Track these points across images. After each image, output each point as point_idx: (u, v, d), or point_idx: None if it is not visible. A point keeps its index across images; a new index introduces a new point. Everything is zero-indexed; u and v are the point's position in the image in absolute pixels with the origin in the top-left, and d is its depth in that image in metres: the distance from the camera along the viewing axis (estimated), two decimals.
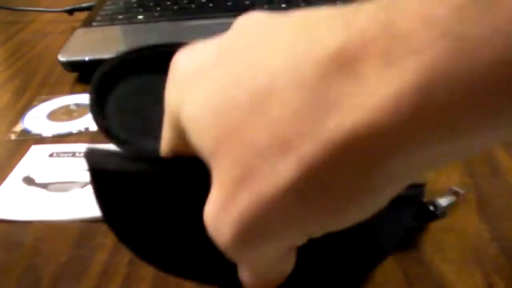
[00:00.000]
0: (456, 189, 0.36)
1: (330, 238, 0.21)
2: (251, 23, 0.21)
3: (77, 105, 0.56)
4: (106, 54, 0.61)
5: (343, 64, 0.16)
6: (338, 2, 0.68)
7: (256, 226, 0.19)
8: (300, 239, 0.20)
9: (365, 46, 0.16)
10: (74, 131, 0.51)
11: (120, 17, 0.70)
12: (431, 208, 0.34)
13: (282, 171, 0.17)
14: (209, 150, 0.19)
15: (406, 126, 0.15)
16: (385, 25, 0.15)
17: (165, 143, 0.24)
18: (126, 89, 0.36)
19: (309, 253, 0.23)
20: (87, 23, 0.69)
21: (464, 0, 0.14)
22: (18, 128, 0.52)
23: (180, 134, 0.21)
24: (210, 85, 0.19)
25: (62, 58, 0.60)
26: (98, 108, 0.33)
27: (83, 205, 0.40)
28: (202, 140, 0.19)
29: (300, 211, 0.18)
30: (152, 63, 0.37)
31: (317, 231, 0.19)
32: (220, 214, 0.19)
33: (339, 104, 0.16)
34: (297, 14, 0.19)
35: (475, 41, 0.14)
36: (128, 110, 0.35)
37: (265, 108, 0.17)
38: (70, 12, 0.80)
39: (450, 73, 0.14)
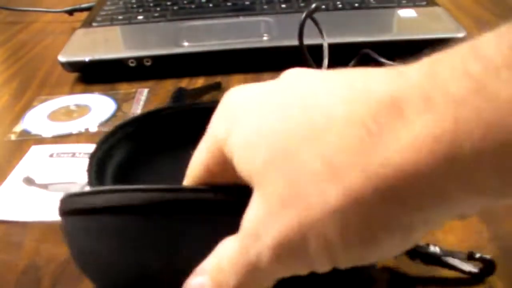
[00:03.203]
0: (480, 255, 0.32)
1: None
2: (301, 73, 0.23)
3: (77, 105, 0.56)
4: (106, 54, 0.61)
5: (392, 107, 0.18)
6: (329, 1, 0.68)
7: (293, 244, 0.20)
8: (324, 267, 0.21)
9: (411, 92, 0.18)
10: (74, 131, 0.51)
11: (120, 17, 0.70)
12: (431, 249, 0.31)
13: (329, 198, 0.19)
14: (257, 169, 0.21)
15: (443, 169, 0.17)
16: (428, 75, 0.18)
17: (197, 166, 0.25)
18: (124, 156, 0.37)
19: None
20: (87, 23, 0.69)
21: (500, 62, 0.16)
22: (18, 128, 0.52)
23: (218, 159, 0.23)
24: (263, 114, 0.21)
25: (62, 58, 0.60)
26: (96, 178, 0.33)
27: None
28: (250, 162, 0.21)
29: (337, 239, 0.19)
30: (150, 130, 0.39)
31: (344, 262, 0.20)
32: (263, 226, 0.20)
33: (387, 142, 0.18)
34: (349, 70, 0.21)
35: (505, 100, 0.16)
36: (126, 178, 0.35)
37: (319, 138, 0.19)
38: (70, 12, 0.80)
39: (481, 125, 0.16)
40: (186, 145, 0.39)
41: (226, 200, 0.24)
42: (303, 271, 0.21)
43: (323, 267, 0.21)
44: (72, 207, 0.26)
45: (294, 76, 0.23)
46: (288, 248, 0.20)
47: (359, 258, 0.20)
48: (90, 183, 0.32)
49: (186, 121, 0.40)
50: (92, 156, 0.34)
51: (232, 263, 0.21)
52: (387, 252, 0.20)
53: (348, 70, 0.21)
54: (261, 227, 0.20)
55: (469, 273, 0.32)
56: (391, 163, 0.17)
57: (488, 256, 0.31)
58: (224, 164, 0.23)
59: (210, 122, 0.24)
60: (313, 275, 0.22)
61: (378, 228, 0.19)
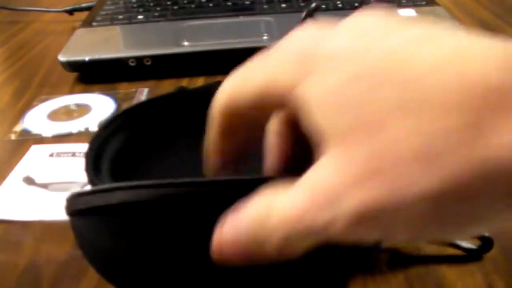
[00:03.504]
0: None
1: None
2: (389, 28, 0.21)
3: (77, 105, 0.56)
4: (106, 54, 0.61)
5: (504, 97, 0.17)
6: (328, 1, 0.68)
7: (373, 218, 0.19)
8: (403, 241, 0.21)
9: None
10: (74, 131, 0.51)
11: (120, 17, 0.70)
12: None
13: (421, 181, 0.18)
14: (338, 131, 0.20)
15: None
16: None
17: (245, 91, 0.24)
18: (121, 145, 0.36)
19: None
20: (87, 23, 0.69)
21: None
22: (18, 128, 0.52)
23: (270, 98, 0.22)
24: (352, 74, 0.20)
25: (62, 58, 0.60)
26: (92, 167, 0.33)
27: None
28: (331, 121, 0.20)
29: (427, 219, 0.19)
30: (145, 119, 0.38)
31: (420, 241, 0.21)
32: (342, 192, 0.19)
33: (489, 135, 0.17)
34: (445, 32, 0.20)
35: None
36: (122, 168, 0.35)
37: (419, 116, 0.18)
38: (70, 12, 0.80)
39: None
40: (177, 132, 0.40)
41: (229, 192, 0.24)
42: (369, 241, 0.20)
43: (400, 241, 0.20)
44: (74, 208, 0.26)
45: (382, 26, 0.21)
46: (367, 220, 0.19)
47: (437, 238, 0.20)
48: (90, 182, 0.32)
49: (176, 108, 0.40)
50: (87, 155, 0.34)
51: (286, 219, 0.20)
52: (464, 235, 0.20)
53: (443, 33, 0.20)
54: (340, 193, 0.19)
55: (467, 249, 0.32)
56: (493, 157, 0.17)
57: (486, 233, 0.32)
58: (274, 106, 0.22)
59: (269, 52, 0.23)
60: (312, 256, 0.21)
61: (465, 218, 0.19)
